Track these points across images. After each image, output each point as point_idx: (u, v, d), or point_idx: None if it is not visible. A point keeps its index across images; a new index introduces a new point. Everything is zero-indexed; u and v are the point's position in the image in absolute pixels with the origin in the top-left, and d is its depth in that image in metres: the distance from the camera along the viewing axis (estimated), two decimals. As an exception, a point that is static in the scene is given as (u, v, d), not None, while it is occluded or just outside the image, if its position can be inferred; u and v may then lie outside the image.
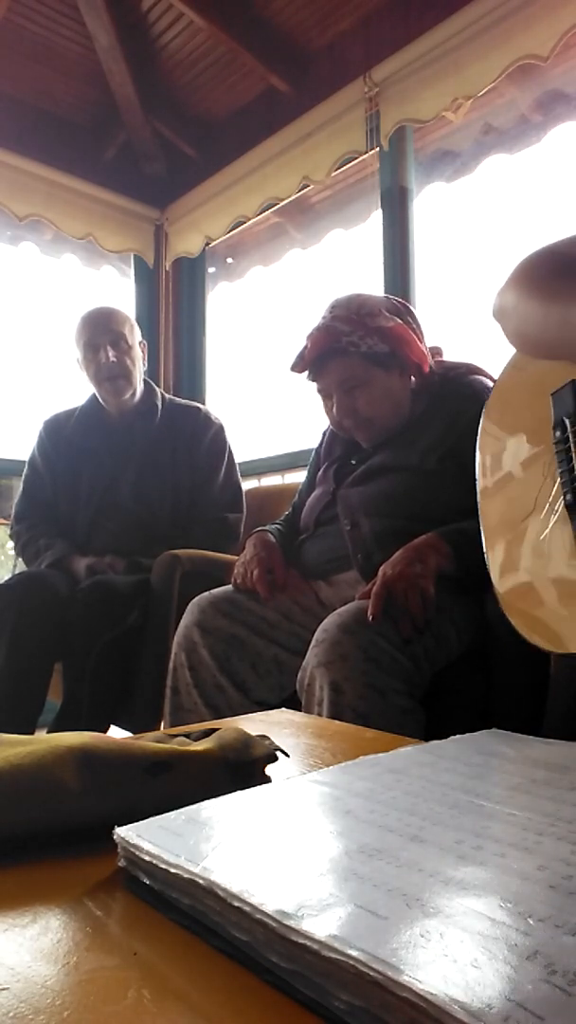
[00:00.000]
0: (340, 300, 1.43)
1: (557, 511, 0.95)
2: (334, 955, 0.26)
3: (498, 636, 1.20)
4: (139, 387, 2.11)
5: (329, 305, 1.43)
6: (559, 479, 0.95)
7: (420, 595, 1.16)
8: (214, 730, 0.54)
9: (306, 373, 1.46)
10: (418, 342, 1.42)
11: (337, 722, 0.84)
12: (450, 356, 1.60)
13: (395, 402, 1.43)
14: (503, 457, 1.09)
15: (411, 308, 1.49)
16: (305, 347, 1.42)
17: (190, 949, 0.31)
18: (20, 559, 2.07)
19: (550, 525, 0.95)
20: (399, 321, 1.41)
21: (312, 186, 2.62)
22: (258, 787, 0.48)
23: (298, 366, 1.44)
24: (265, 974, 0.29)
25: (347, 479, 1.47)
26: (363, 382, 1.40)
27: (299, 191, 2.64)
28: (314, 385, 1.47)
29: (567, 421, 0.95)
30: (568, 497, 0.92)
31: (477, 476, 1.12)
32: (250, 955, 0.30)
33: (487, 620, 1.23)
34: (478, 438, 1.15)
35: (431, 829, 0.39)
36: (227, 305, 3.34)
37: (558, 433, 0.96)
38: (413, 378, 1.44)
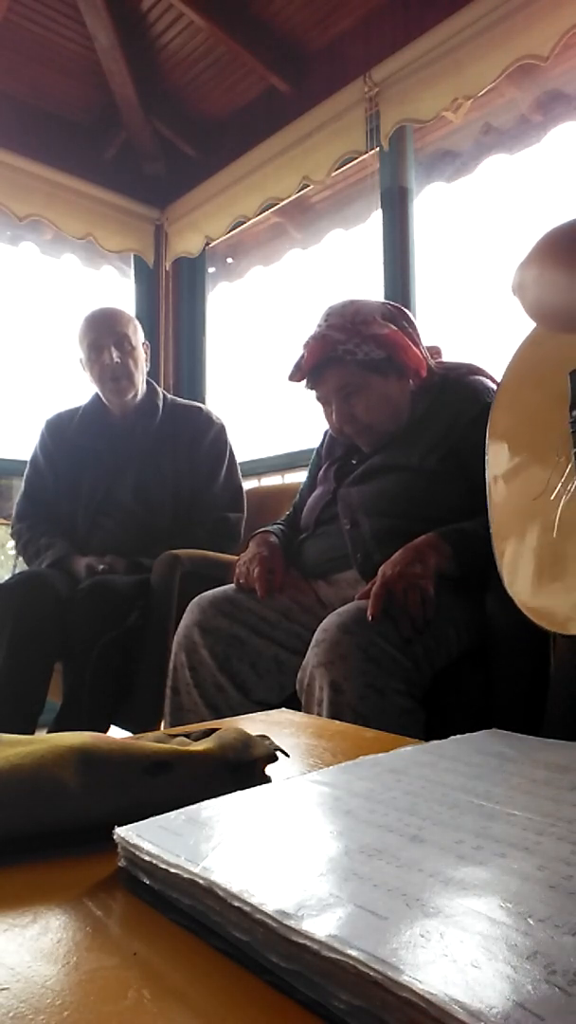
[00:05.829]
0: (335, 308, 1.43)
1: (570, 491, 0.94)
2: (334, 955, 0.26)
3: (498, 636, 1.20)
4: (141, 388, 2.11)
5: (324, 313, 1.44)
6: (574, 459, 0.94)
7: (420, 595, 1.16)
8: (214, 730, 0.54)
9: (304, 382, 1.46)
10: (414, 346, 1.42)
11: (337, 722, 0.84)
12: (450, 356, 1.60)
13: (394, 407, 1.43)
14: (516, 437, 1.08)
15: (407, 312, 1.49)
16: (302, 356, 1.43)
17: (190, 949, 0.31)
18: (21, 558, 2.07)
19: (561, 505, 0.95)
20: (394, 327, 1.41)
21: (312, 186, 2.62)
22: (258, 787, 0.48)
23: (296, 375, 1.45)
24: (265, 974, 0.29)
25: (347, 478, 1.47)
26: (360, 388, 1.41)
27: (299, 191, 2.64)
28: (313, 392, 1.48)
29: None
30: None
31: (487, 457, 1.11)
32: (250, 955, 0.30)
33: (487, 620, 1.23)
34: (490, 417, 1.13)
35: (431, 829, 0.39)
36: (227, 305, 3.34)
37: (574, 413, 0.95)
38: (411, 381, 1.45)
